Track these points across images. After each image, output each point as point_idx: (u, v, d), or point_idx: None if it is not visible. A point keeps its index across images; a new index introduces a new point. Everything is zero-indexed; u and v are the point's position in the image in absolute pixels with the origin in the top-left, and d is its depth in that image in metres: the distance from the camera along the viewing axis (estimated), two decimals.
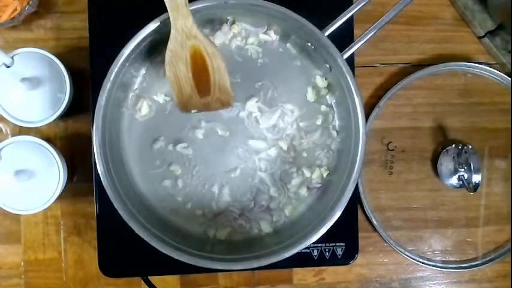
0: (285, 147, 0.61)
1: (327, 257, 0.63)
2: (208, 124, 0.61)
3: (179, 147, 0.60)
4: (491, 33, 0.68)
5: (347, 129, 0.60)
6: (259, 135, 0.62)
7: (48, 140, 0.60)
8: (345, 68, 0.57)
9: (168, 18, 0.53)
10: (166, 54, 0.55)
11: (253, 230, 0.61)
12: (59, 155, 0.59)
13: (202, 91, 0.57)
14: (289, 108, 0.62)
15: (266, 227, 0.61)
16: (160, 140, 0.60)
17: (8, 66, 0.57)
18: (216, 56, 0.55)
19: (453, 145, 0.68)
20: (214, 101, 0.58)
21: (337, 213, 0.56)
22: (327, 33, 0.56)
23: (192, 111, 0.59)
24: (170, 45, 0.54)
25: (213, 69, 0.55)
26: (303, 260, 0.63)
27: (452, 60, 0.68)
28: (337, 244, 0.64)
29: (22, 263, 0.65)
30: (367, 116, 0.66)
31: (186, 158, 0.61)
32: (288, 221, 0.62)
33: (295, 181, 0.62)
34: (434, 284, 0.70)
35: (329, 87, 0.62)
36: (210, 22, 0.61)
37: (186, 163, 0.61)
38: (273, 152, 0.61)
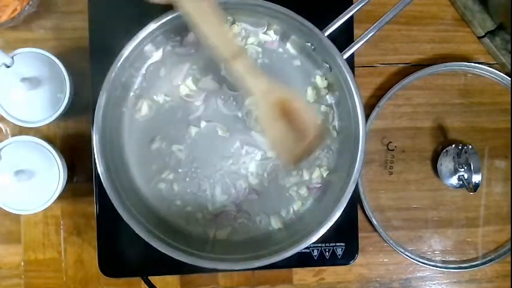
0: None
1: (327, 257, 0.63)
2: (208, 124, 0.61)
3: (176, 147, 0.60)
4: (491, 33, 0.68)
5: (347, 129, 0.61)
6: (259, 134, 0.62)
7: (48, 140, 0.60)
8: (345, 68, 0.57)
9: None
10: (261, 124, 0.54)
11: (257, 227, 0.61)
12: (59, 155, 0.59)
13: (301, 135, 0.53)
14: None
15: (276, 223, 0.61)
16: (158, 140, 0.60)
17: (8, 66, 0.57)
18: (295, 96, 0.53)
19: (453, 145, 0.68)
20: (313, 139, 0.54)
21: (337, 213, 0.56)
22: (327, 33, 0.56)
23: (303, 160, 0.56)
24: (261, 111, 0.53)
25: (299, 110, 0.53)
26: (303, 260, 0.63)
27: (452, 60, 0.68)
28: (337, 244, 0.64)
29: (22, 263, 0.65)
30: (367, 116, 0.66)
31: (185, 158, 0.61)
32: (295, 217, 0.62)
33: (294, 180, 0.62)
34: (434, 284, 0.70)
35: (329, 87, 0.62)
36: None
37: (183, 163, 0.61)
38: (269, 151, 0.61)
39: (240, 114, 0.61)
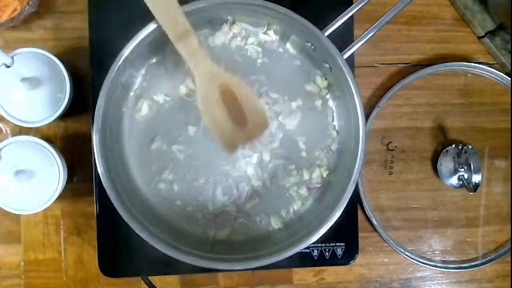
0: (284, 147, 0.62)
1: (327, 257, 0.63)
2: None
3: (176, 147, 0.60)
4: (491, 33, 0.68)
5: (347, 129, 0.60)
6: None
7: (48, 140, 0.60)
8: (345, 68, 0.57)
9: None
10: (199, 105, 0.55)
11: (257, 227, 0.61)
12: (59, 155, 0.59)
13: (240, 123, 0.56)
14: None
15: (276, 223, 0.61)
16: (158, 140, 0.60)
17: (8, 66, 0.57)
18: (240, 84, 0.55)
19: (453, 145, 0.68)
20: (254, 127, 0.57)
21: (337, 213, 0.56)
22: (327, 33, 0.56)
23: (239, 147, 0.58)
24: (200, 94, 0.55)
25: (242, 98, 0.55)
26: (303, 260, 0.63)
27: (452, 60, 0.68)
28: (337, 244, 0.64)
29: (22, 263, 0.65)
30: (367, 116, 0.66)
31: (185, 158, 0.61)
32: (295, 217, 0.62)
33: (294, 180, 0.62)
34: (434, 284, 0.70)
35: (329, 87, 0.62)
36: (210, 22, 0.61)
37: (184, 163, 0.61)
38: (270, 152, 0.61)
39: None
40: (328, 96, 0.63)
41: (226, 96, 0.55)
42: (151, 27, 0.55)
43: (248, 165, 0.61)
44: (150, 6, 0.52)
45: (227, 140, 0.56)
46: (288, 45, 0.62)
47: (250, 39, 0.62)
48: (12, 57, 0.57)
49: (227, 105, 0.55)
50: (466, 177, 0.66)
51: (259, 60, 0.62)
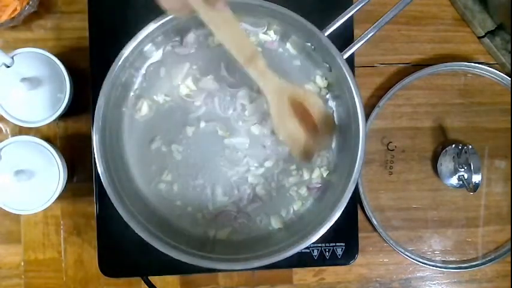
0: (284, 147, 0.62)
1: (327, 257, 0.63)
2: (208, 124, 0.61)
3: (176, 147, 0.60)
4: (491, 33, 0.68)
5: (347, 129, 0.60)
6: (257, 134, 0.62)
7: (48, 140, 0.60)
8: (345, 68, 0.57)
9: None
10: (274, 121, 0.57)
11: (257, 227, 0.61)
12: (59, 155, 0.59)
13: (312, 131, 0.57)
14: None
15: (276, 223, 0.61)
16: (158, 140, 0.60)
17: (8, 66, 0.57)
18: (307, 94, 0.57)
19: (453, 145, 0.68)
20: (324, 133, 0.58)
21: (337, 213, 0.56)
22: (327, 33, 0.56)
23: (314, 156, 0.60)
24: (273, 110, 0.56)
25: (310, 107, 0.56)
26: (303, 260, 0.63)
27: (452, 60, 0.68)
28: (337, 244, 0.64)
29: (22, 263, 0.65)
30: (367, 116, 0.66)
31: (185, 159, 0.61)
32: (295, 217, 0.62)
33: (294, 180, 0.62)
34: (434, 284, 0.70)
35: (329, 87, 0.62)
36: None
37: (184, 163, 0.61)
38: (270, 152, 0.61)
39: (238, 115, 0.61)
40: (328, 96, 0.63)
41: (296, 108, 0.56)
42: (152, 27, 0.55)
43: (249, 165, 0.61)
44: (222, 35, 0.53)
45: (302, 150, 0.58)
46: (288, 45, 0.62)
47: (251, 39, 0.62)
48: (12, 57, 0.57)
49: (298, 116, 0.56)
50: (466, 177, 0.66)
51: None
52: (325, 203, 0.60)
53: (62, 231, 0.65)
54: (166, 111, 0.61)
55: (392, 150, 0.68)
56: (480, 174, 0.65)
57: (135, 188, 0.60)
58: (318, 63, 0.62)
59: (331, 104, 0.63)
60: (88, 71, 0.61)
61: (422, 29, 0.69)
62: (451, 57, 0.69)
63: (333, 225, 0.56)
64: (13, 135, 0.64)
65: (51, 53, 0.59)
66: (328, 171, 0.62)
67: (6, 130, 0.64)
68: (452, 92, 0.69)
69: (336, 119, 0.63)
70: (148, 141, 0.61)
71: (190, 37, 0.61)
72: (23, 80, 0.57)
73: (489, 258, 0.69)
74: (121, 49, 0.55)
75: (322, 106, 0.57)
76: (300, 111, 0.56)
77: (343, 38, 0.60)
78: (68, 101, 0.60)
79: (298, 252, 0.56)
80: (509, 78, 0.68)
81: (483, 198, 0.69)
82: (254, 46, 0.56)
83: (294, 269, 0.68)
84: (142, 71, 0.61)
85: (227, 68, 0.61)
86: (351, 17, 0.58)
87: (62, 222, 0.65)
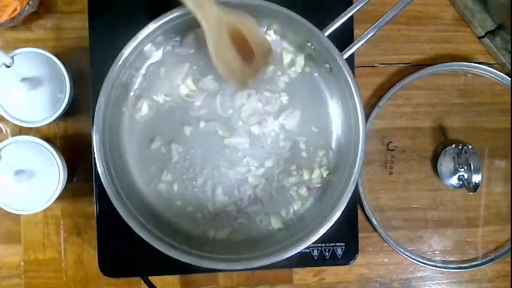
0: (284, 147, 0.62)
1: (327, 257, 0.63)
2: (208, 124, 0.61)
3: (176, 147, 0.60)
4: (491, 33, 0.68)
5: (347, 129, 0.60)
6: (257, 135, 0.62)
7: (48, 140, 0.60)
8: (345, 68, 0.57)
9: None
10: (211, 51, 0.55)
11: (257, 227, 0.61)
12: (59, 155, 0.59)
13: (248, 58, 0.57)
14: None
15: (276, 223, 0.61)
16: (158, 140, 0.60)
17: (8, 66, 0.57)
18: (244, 19, 0.56)
19: (453, 145, 0.68)
20: (260, 59, 0.58)
21: (337, 213, 0.56)
22: (327, 33, 0.56)
23: (249, 84, 0.60)
24: (211, 40, 0.54)
25: (248, 32, 0.56)
26: (303, 260, 0.63)
27: (452, 60, 0.68)
28: (337, 244, 0.64)
29: (22, 263, 0.65)
30: (367, 116, 0.66)
31: (185, 158, 0.61)
32: (295, 217, 0.62)
33: (294, 180, 0.62)
34: (434, 284, 0.70)
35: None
36: None
37: (183, 163, 0.61)
38: (269, 151, 0.61)
39: (238, 114, 0.61)
40: (328, 96, 0.63)
41: (235, 36, 0.55)
42: (152, 27, 0.55)
43: (249, 165, 0.61)
44: None
45: (238, 79, 0.58)
46: (288, 45, 0.62)
47: None
48: (12, 57, 0.57)
49: (236, 45, 0.55)
50: (466, 177, 0.66)
51: None
52: (325, 203, 0.60)
53: (62, 231, 0.65)
54: (166, 111, 0.61)
55: (392, 150, 0.68)
56: (480, 174, 0.65)
57: (135, 188, 0.60)
58: (318, 63, 0.61)
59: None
60: (88, 71, 0.61)
61: (422, 29, 0.69)
62: (451, 57, 0.69)
63: (333, 225, 0.56)
64: (13, 135, 0.63)
65: (51, 53, 0.59)
66: (328, 171, 0.62)
67: (6, 130, 0.64)
68: (452, 92, 0.69)
69: (336, 119, 0.63)
70: (148, 141, 0.61)
71: (190, 37, 0.61)
72: (23, 80, 0.57)
73: (489, 258, 0.69)
74: (121, 49, 0.55)
75: (261, 33, 0.57)
76: (238, 41, 0.55)
77: (343, 38, 0.60)
78: (68, 101, 0.60)
79: (298, 252, 0.56)
80: (509, 78, 0.68)
81: (483, 198, 0.69)
82: None
83: (294, 269, 0.68)
84: (142, 71, 0.61)
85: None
86: (351, 17, 0.58)
87: (62, 222, 0.65)
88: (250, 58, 0.57)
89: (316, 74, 0.62)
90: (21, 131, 0.63)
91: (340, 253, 0.64)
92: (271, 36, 0.62)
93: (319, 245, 0.63)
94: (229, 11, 0.55)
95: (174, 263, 0.55)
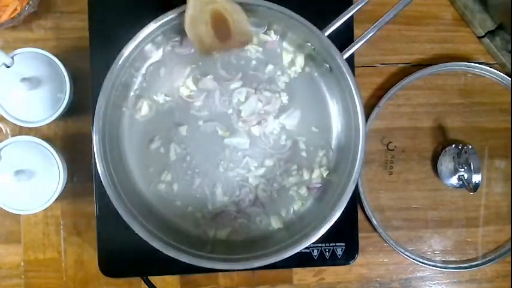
0: (284, 147, 0.62)
1: (327, 257, 0.63)
2: (208, 124, 0.61)
3: (176, 147, 0.60)
4: (491, 33, 0.68)
5: (347, 129, 0.61)
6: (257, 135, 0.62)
7: (48, 140, 0.60)
8: (345, 68, 0.57)
9: None
10: (185, 18, 0.55)
11: (257, 227, 0.61)
12: (59, 155, 0.59)
13: (223, 38, 0.57)
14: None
15: (276, 223, 0.61)
16: (158, 140, 0.60)
17: (8, 66, 0.57)
18: (235, 10, 0.55)
19: (453, 145, 0.68)
20: (235, 44, 0.58)
21: (337, 213, 0.56)
22: (327, 33, 0.56)
23: (214, 54, 0.59)
24: (189, 11, 0.54)
25: (233, 22, 0.56)
26: (303, 260, 0.63)
27: (452, 60, 0.68)
28: (337, 244, 0.64)
29: (22, 263, 0.65)
30: (367, 116, 0.66)
31: (185, 159, 0.61)
32: (295, 217, 0.62)
33: (294, 180, 0.62)
34: (434, 284, 0.70)
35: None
36: None
37: (183, 163, 0.61)
38: (269, 151, 0.61)
39: (238, 114, 0.61)
40: (328, 96, 0.63)
41: (216, 17, 0.55)
42: (152, 27, 0.55)
43: (249, 165, 0.61)
44: None
45: (204, 48, 0.57)
46: (288, 45, 0.62)
47: None
48: (12, 57, 0.57)
49: (215, 24, 0.56)
50: (466, 177, 0.66)
51: (258, 61, 0.62)
52: (325, 203, 0.60)
53: (62, 231, 0.65)
54: (166, 111, 0.61)
55: (392, 150, 0.68)
56: (480, 174, 0.65)
57: (135, 188, 0.60)
58: (318, 63, 0.62)
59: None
60: (88, 71, 0.61)
61: (422, 29, 0.69)
62: (451, 57, 0.69)
63: (333, 225, 0.56)
64: (13, 135, 0.63)
65: (51, 53, 0.59)
66: (328, 171, 0.62)
67: (6, 130, 0.64)
68: (452, 92, 0.69)
69: (336, 119, 0.63)
70: (148, 141, 0.61)
71: None
72: (23, 80, 0.57)
73: (489, 258, 0.69)
74: (121, 49, 0.55)
75: (245, 25, 0.57)
76: (218, 22, 0.56)
77: (343, 38, 0.60)
78: (68, 101, 0.60)
79: (298, 252, 0.56)
80: (509, 78, 0.68)
81: (483, 198, 0.69)
82: None
83: (294, 269, 0.68)
84: (143, 71, 0.61)
85: (223, 66, 0.61)
86: (351, 17, 0.58)
87: (62, 222, 0.65)
88: (225, 39, 0.57)
89: (316, 74, 0.62)
90: (21, 131, 0.63)
91: (340, 253, 0.64)
92: (271, 36, 0.62)
93: (319, 245, 0.63)
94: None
95: (174, 263, 0.55)
